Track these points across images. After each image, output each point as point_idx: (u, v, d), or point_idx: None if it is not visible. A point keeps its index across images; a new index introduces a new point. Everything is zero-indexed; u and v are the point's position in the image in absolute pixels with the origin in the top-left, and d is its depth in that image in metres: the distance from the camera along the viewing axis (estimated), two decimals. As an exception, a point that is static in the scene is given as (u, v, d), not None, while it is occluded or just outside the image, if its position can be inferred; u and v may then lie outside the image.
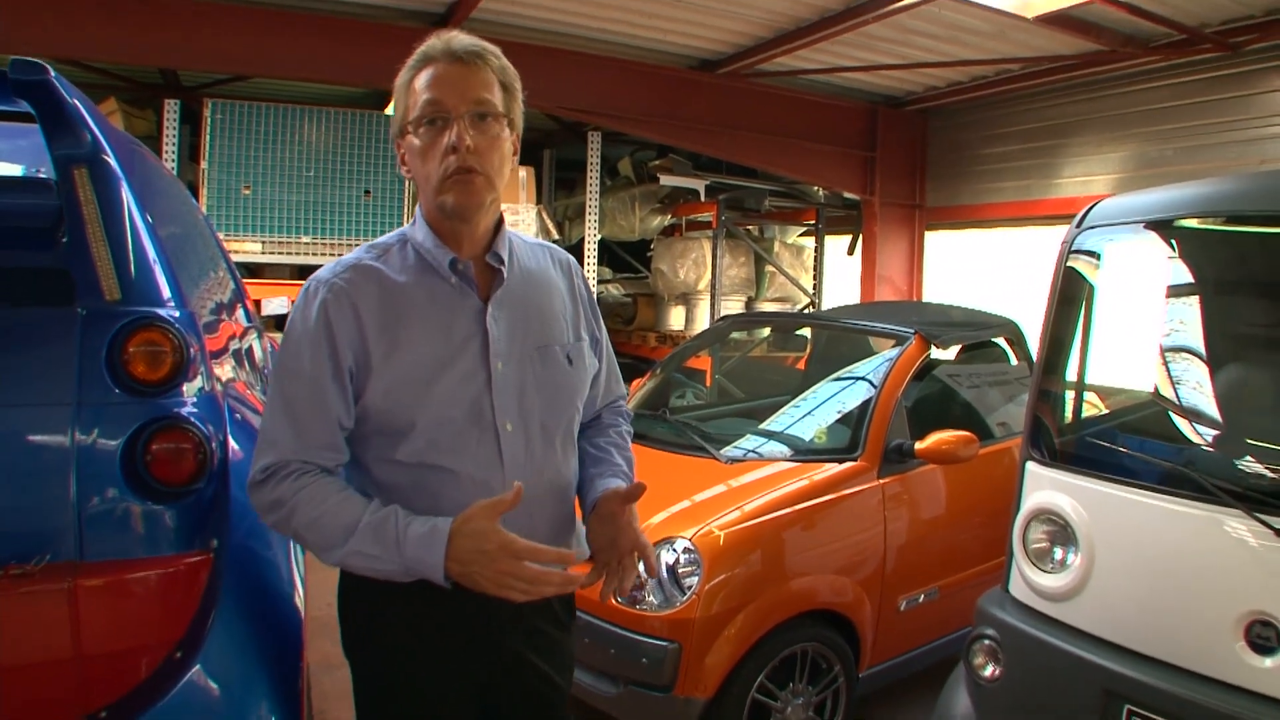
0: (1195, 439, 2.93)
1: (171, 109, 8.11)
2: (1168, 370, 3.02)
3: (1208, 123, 7.66)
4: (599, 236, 9.63)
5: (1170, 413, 3.00)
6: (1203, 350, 2.98)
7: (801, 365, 6.60)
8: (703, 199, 10.20)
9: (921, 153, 10.38)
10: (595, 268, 9.49)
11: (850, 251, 11.02)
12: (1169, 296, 3.09)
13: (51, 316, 1.99)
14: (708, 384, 7.13)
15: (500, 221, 2.14)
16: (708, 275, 10.27)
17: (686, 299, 10.61)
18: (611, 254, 12.24)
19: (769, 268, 10.92)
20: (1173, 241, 3.09)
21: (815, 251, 10.99)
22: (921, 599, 4.38)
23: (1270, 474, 2.65)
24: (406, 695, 2.07)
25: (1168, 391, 3.00)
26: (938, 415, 4.75)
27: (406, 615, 2.01)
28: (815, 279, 10.91)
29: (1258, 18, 6.83)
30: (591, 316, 2.32)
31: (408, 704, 2.07)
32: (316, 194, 8.23)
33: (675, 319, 10.70)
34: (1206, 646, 2.59)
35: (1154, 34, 7.28)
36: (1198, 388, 2.98)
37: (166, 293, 2.12)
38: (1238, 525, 2.54)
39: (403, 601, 1.96)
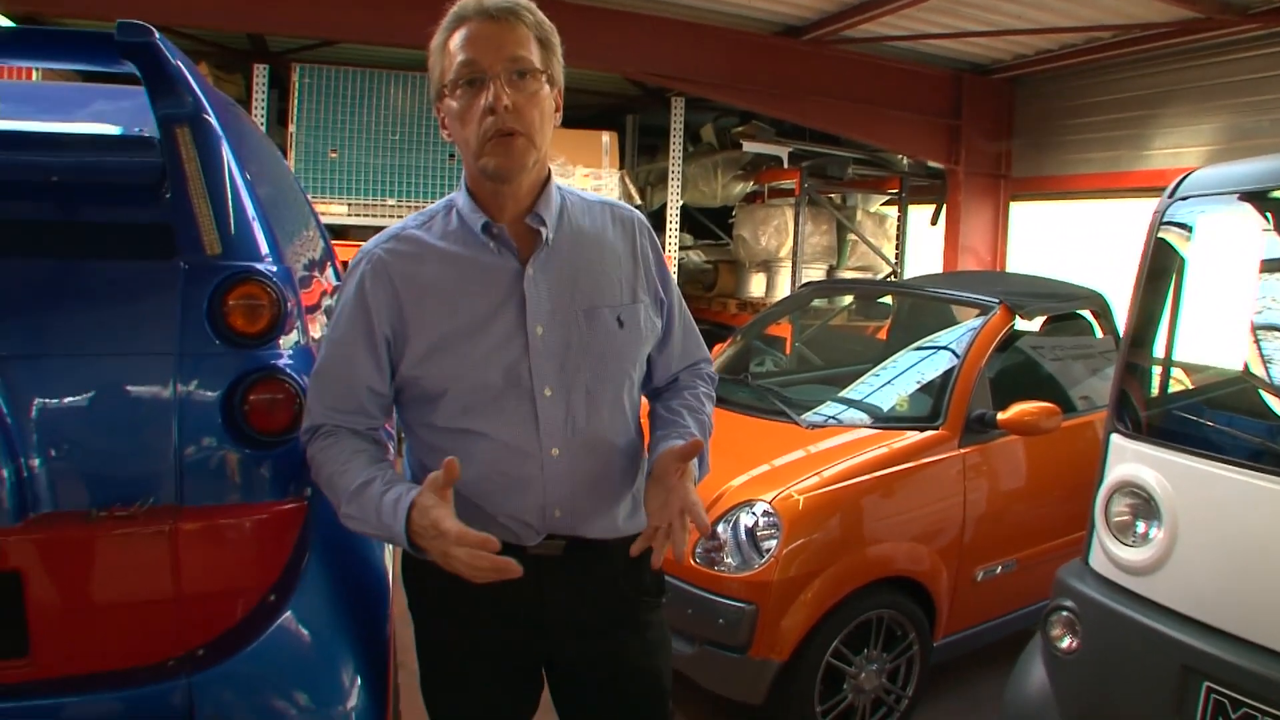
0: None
1: (260, 74, 8.25)
2: (1259, 345, 2.97)
3: (1305, 94, 7.43)
4: (681, 203, 9.61)
5: (1260, 389, 2.95)
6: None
7: (883, 335, 6.57)
8: (785, 166, 10.14)
9: (1008, 122, 10.19)
10: (677, 234, 9.51)
11: (934, 221, 10.90)
12: (1264, 270, 3.02)
13: (155, 269, 2.06)
14: (787, 351, 7.14)
15: (546, 180, 2.08)
16: (789, 243, 10.24)
17: (767, 266, 10.58)
18: (693, 220, 12.23)
19: (851, 236, 10.87)
20: (1269, 214, 3.03)
21: (898, 221, 10.91)
22: (999, 570, 4.37)
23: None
24: (458, 656, 2.13)
25: (1258, 367, 2.96)
26: (1021, 386, 4.70)
27: (453, 578, 1.94)
28: (898, 248, 10.85)
29: (1365, -17, 6.60)
30: (657, 277, 2.22)
31: (460, 664, 2.13)
32: (402, 157, 8.31)
33: (756, 286, 10.67)
34: (1291, 625, 2.55)
35: (1251, 0, 7.08)
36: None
37: (265, 248, 2.19)
38: (1327, 503, 2.51)
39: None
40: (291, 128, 8.13)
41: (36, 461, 1.92)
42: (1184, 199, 3.14)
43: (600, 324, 2.06)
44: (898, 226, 10.90)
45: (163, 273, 2.05)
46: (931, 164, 10.31)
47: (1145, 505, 2.94)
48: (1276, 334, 2.96)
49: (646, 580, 2.17)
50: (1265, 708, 2.52)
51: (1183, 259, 3.14)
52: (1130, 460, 3.03)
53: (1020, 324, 4.89)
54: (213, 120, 2.17)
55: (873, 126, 9.58)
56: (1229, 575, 2.72)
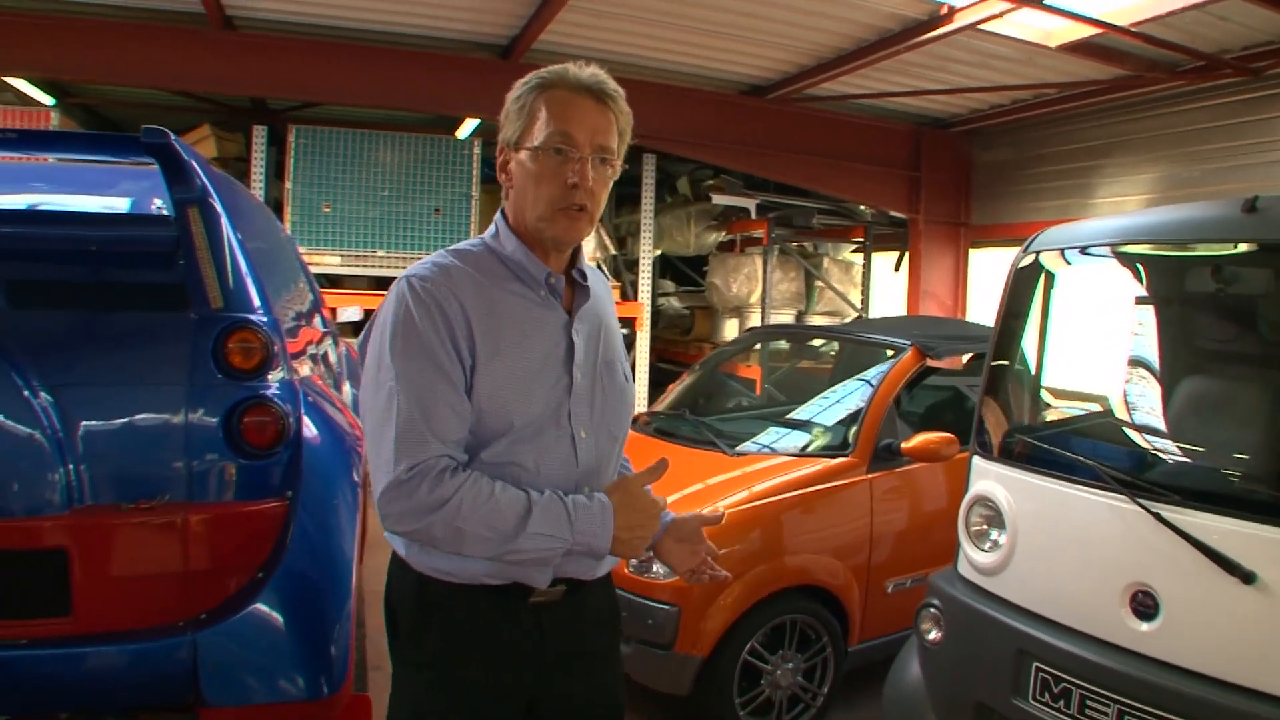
0: (1100, 436, 3.41)
1: (259, 134, 8.88)
2: (1094, 379, 3.52)
3: (1233, 145, 7.88)
4: (656, 252, 10.08)
5: (1084, 413, 3.49)
6: (1120, 360, 3.44)
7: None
8: (754, 217, 10.64)
9: (966, 173, 10.68)
10: (650, 282, 10.03)
11: (896, 268, 11.35)
12: (1100, 313, 3.57)
13: (171, 320, 2.69)
14: (758, 391, 7.67)
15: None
16: (759, 289, 10.69)
17: (739, 312, 11.05)
18: (675, 268, 12.69)
19: (818, 283, 11.35)
20: (1108, 265, 3.54)
21: (863, 268, 11.40)
22: (909, 583, 4.82)
23: (1152, 464, 3.16)
24: (439, 707, 2.07)
25: (1082, 394, 3.50)
26: (938, 418, 5.20)
27: (456, 619, 2.06)
28: (863, 294, 11.33)
29: (1277, 43, 7.06)
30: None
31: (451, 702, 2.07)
32: (391, 211, 8.88)
33: (729, 331, 11.14)
34: (1099, 613, 3.02)
35: (1176, 60, 7.51)
36: (1114, 392, 3.45)
37: (257, 302, 2.80)
38: (1126, 509, 2.98)
39: (461, 602, 2.04)
40: (289, 183, 8.70)
41: (82, 466, 2.52)
42: (1036, 253, 3.66)
43: (617, 377, 2.20)
44: (863, 273, 11.38)
45: (178, 322, 2.67)
46: (894, 213, 10.75)
47: (996, 516, 3.44)
48: (1115, 369, 3.47)
49: (618, 613, 2.33)
50: (1080, 682, 3.00)
51: (1033, 305, 3.65)
52: (987, 478, 3.54)
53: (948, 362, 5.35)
54: (216, 201, 2.78)
55: (836, 179, 10.06)
56: (1054, 572, 3.21)
